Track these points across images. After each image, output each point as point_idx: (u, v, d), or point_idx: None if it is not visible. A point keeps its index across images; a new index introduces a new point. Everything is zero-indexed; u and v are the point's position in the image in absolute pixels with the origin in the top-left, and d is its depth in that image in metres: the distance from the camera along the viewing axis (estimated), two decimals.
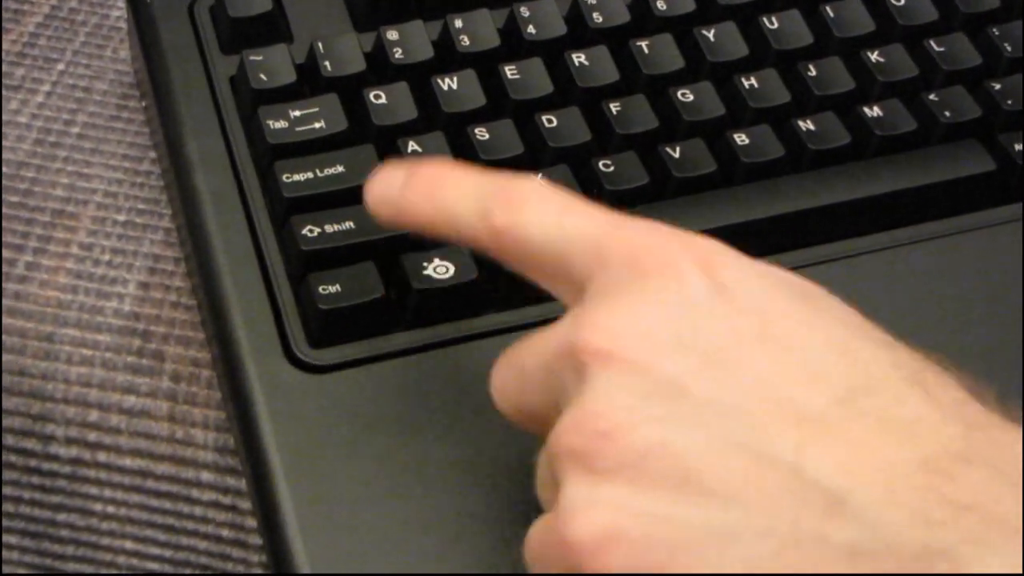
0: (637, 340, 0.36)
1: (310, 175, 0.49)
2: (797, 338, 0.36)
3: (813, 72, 0.53)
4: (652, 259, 0.37)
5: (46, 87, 0.58)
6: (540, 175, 0.49)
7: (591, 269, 0.38)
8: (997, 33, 0.54)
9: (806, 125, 0.52)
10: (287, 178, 0.49)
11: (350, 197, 0.49)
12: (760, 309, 0.36)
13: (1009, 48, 0.54)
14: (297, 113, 0.50)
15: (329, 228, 0.48)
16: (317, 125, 0.50)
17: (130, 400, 0.51)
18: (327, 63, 0.51)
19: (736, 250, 0.38)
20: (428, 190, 0.42)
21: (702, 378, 0.35)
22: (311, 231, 0.48)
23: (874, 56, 0.54)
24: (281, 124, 0.50)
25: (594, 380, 0.36)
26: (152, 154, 0.56)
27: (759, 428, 0.34)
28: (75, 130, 0.56)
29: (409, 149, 0.50)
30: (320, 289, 0.47)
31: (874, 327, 0.38)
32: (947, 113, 0.52)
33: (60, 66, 0.58)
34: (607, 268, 0.38)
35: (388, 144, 0.50)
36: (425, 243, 0.47)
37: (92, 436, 0.51)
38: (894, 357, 0.36)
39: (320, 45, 0.52)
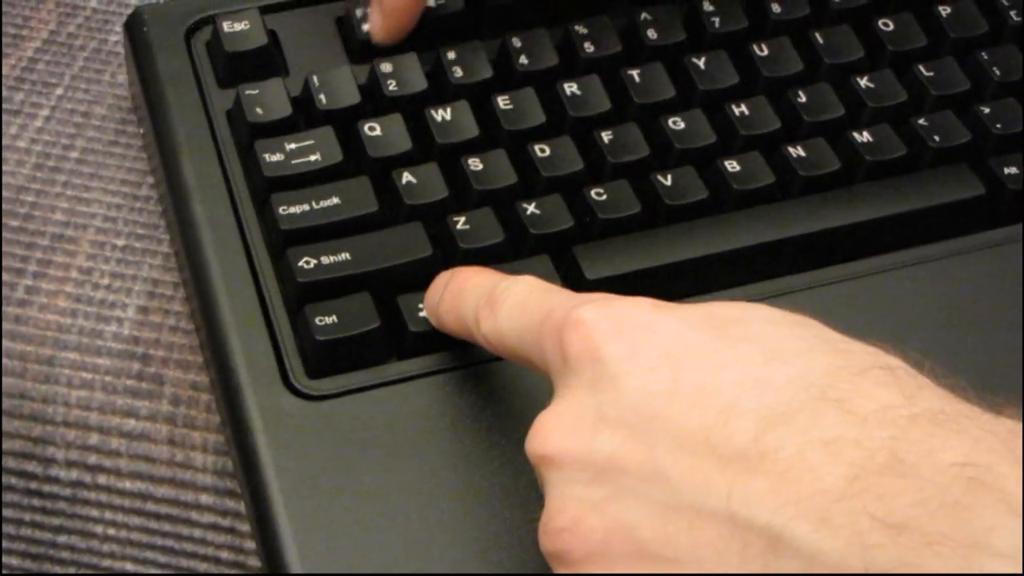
0: (568, 434, 0.39)
1: (306, 207, 0.50)
2: (708, 380, 0.37)
3: (803, 99, 0.53)
4: (574, 348, 0.39)
5: (45, 112, 0.58)
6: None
7: (546, 369, 0.41)
8: (986, 57, 0.55)
9: (796, 151, 0.52)
10: (284, 210, 0.49)
11: (346, 228, 0.49)
12: (669, 360, 0.38)
13: (998, 72, 0.55)
14: (293, 146, 0.51)
15: (325, 260, 0.49)
16: (313, 158, 0.51)
17: (130, 423, 0.51)
18: (322, 96, 0.52)
19: (655, 301, 0.40)
20: (453, 303, 0.45)
21: (632, 449, 0.37)
22: (308, 262, 0.48)
23: (863, 82, 0.54)
24: (277, 157, 0.51)
25: (549, 482, 0.39)
26: (150, 179, 0.56)
27: (689, 485, 0.36)
28: (74, 155, 0.57)
29: (404, 181, 0.50)
30: (317, 320, 0.47)
31: (804, 334, 0.39)
32: (936, 138, 0.53)
33: (59, 91, 0.59)
34: (552, 366, 0.40)
35: (383, 176, 0.51)
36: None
37: (92, 459, 0.51)
38: (809, 373, 0.37)
39: (315, 78, 0.52)
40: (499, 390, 0.48)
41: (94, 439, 0.51)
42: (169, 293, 0.54)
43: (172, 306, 0.53)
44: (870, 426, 0.35)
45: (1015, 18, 0.56)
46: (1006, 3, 0.56)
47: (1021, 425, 0.36)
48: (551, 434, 0.39)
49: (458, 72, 0.53)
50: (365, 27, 0.54)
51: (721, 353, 0.38)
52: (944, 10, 0.56)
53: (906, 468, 0.34)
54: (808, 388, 0.36)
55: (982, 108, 0.54)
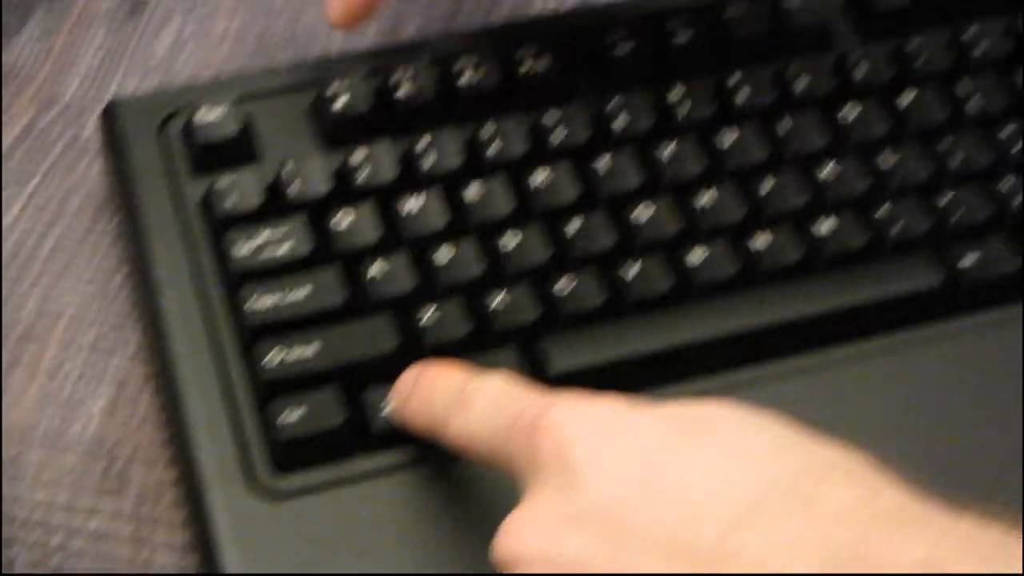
0: (537, 535, 0.39)
1: (276, 298, 0.50)
2: (675, 480, 0.38)
3: (767, 187, 0.54)
4: (544, 448, 0.40)
5: (20, 202, 0.59)
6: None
7: (515, 470, 0.41)
8: (945, 146, 0.56)
9: (760, 241, 0.53)
10: (253, 302, 0.50)
11: (314, 320, 0.50)
12: (638, 460, 0.39)
13: (957, 161, 0.55)
14: (264, 236, 0.51)
15: (294, 353, 0.49)
16: (283, 248, 0.51)
17: (94, 523, 0.51)
18: (294, 186, 0.53)
19: (625, 400, 0.41)
20: (421, 403, 0.46)
21: (600, 549, 0.38)
22: (275, 356, 0.49)
23: (826, 170, 0.55)
24: (248, 247, 0.51)
25: None
26: (125, 269, 0.57)
27: None
28: (48, 245, 0.57)
29: (372, 271, 0.51)
30: (283, 414, 0.48)
31: (770, 434, 0.40)
32: (896, 227, 0.54)
33: (34, 180, 0.59)
34: (522, 467, 0.41)
35: (352, 266, 0.51)
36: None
37: (54, 561, 0.51)
38: (775, 474, 0.38)
39: (287, 168, 0.53)
40: (466, 485, 0.48)
41: (57, 540, 0.51)
42: (138, 387, 0.54)
43: (141, 400, 0.54)
44: (834, 526, 0.36)
45: (975, 107, 0.57)
46: (965, 93, 0.57)
47: (982, 524, 0.36)
48: (520, 535, 0.39)
49: (429, 160, 0.54)
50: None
51: (688, 453, 0.39)
52: (905, 98, 0.57)
53: (869, 567, 0.35)
54: (774, 488, 0.37)
55: (941, 198, 0.55)
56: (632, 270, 0.52)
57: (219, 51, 0.64)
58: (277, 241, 0.52)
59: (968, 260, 0.53)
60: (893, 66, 0.58)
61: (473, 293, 0.51)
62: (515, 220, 0.53)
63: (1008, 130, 0.56)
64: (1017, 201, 0.54)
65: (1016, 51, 0.58)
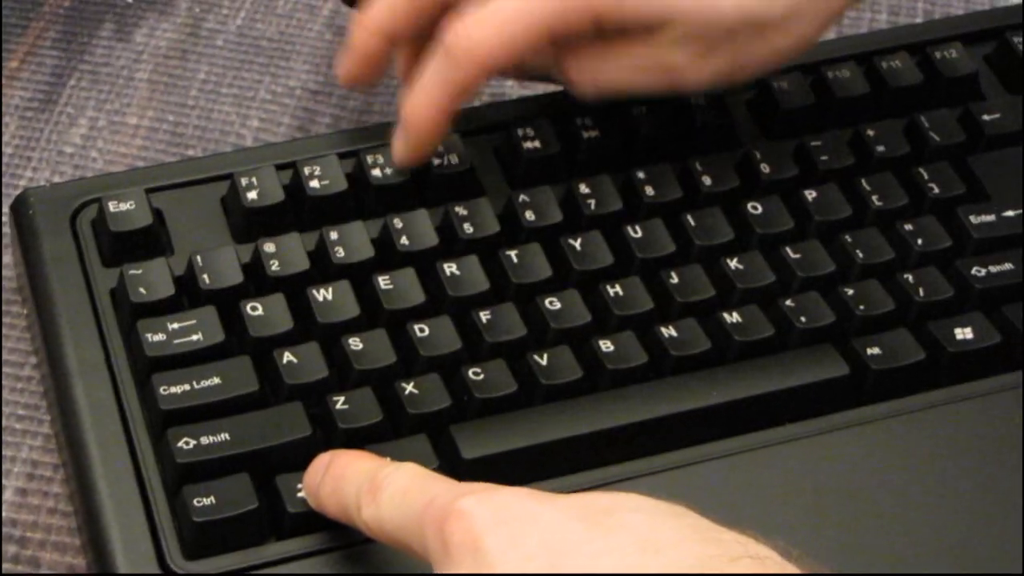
0: None
1: (187, 387, 0.50)
2: (583, 570, 0.39)
3: (675, 280, 0.55)
4: (456, 538, 0.40)
5: None
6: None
7: (427, 557, 0.42)
8: (849, 240, 0.57)
9: (668, 331, 0.54)
10: (164, 390, 0.50)
11: (226, 408, 0.50)
12: (547, 550, 0.39)
13: (861, 255, 0.57)
14: (175, 326, 0.52)
15: (205, 440, 0.49)
16: (195, 337, 0.52)
17: None
18: (205, 276, 0.53)
19: (534, 491, 0.42)
20: (333, 488, 0.46)
21: None
22: (187, 443, 0.49)
23: (733, 263, 0.56)
24: (159, 337, 0.51)
25: None
26: (33, 359, 0.56)
27: None
28: None
29: (284, 360, 0.51)
30: (195, 501, 0.48)
31: (677, 524, 0.40)
32: (803, 319, 0.55)
33: None
34: (434, 555, 0.41)
35: (265, 355, 0.52)
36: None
37: None
38: (680, 566, 0.38)
39: (199, 258, 0.53)
40: (380, 569, 0.48)
41: None
42: (48, 475, 0.54)
43: (51, 488, 0.54)
44: None
45: (876, 203, 0.58)
46: (868, 189, 0.58)
47: None
48: None
49: (340, 252, 0.54)
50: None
51: (596, 543, 0.39)
52: (810, 195, 0.58)
53: None
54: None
55: (846, 290, 0.56)
56: (543, 359, 0.52)
57: (132, 143, 0.65)
58: (188, 330, 0.52)
59: (872, 351, 0.54)
60: (797, 164, 0.59)
61: (385, 381, 0.51)
62: (426, 310, 0.53)
63: (908, 226, 0.58)
64: (919, 294, 0.56)
65: (914, 150, 0.60)
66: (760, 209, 0.58)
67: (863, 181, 0.59)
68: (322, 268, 0.54)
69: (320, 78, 0.68)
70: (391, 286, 0.54)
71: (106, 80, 0.67)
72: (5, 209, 0.61)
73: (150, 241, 0.54)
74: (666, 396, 0.53)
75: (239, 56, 0.69)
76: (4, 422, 0.55)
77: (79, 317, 0.53)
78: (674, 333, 0.54)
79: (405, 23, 0.56)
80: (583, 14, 0.52)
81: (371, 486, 0.44)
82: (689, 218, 0.57)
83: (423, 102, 0.54)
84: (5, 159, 0.63)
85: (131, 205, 0.55)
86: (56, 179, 0.63)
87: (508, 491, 0.42)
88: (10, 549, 0.52)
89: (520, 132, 0.58)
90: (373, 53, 0.56)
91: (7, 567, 0.51)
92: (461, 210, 0.56)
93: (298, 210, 0.56)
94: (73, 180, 0.61)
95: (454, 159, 0.57)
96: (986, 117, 0.61)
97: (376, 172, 0.56)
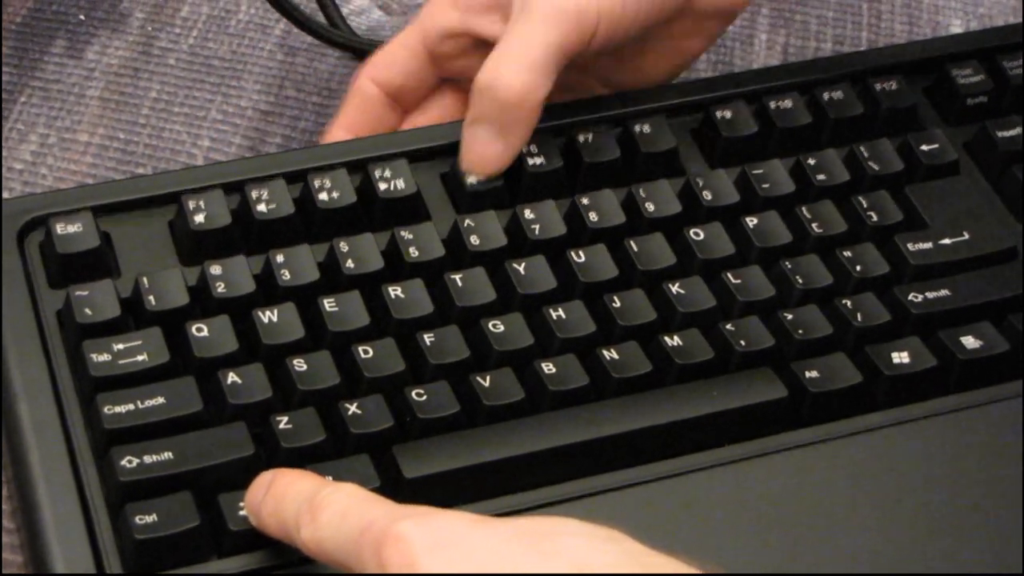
0: None
1: (131, 407, 0.51)
2: None
3: (617, 304, 0.56)
4: (393, 561, 0.41)
5: None
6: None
7: None
8: (789, 267, 0.58)
9: (610, 354, 0.55)
10: (108, 410, 0.50)
11: (170, 428, 0.51)
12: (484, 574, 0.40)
13: (800, 280, 0.58)
14: (120, 346, 0.52)
15: (148, 459, 0.50)
16: (140, 358, 0.52)
17: None
18: (151, 297, 0.53)
19: (472, 516, 0.42)
20: (274, 507, 0.47)
21: None
22: (130, 461, 0.49)
23: (675, 288, 0.57)
24: (104, 357, 0.52)
25: None
26: None
27: None
28: None
29: (229, 381, 0.52)
30: (137, 519, 0.48)
31: (611, 548, 0.41)
32: (742, 342, 0.56)
33: None
34: None
35: (209, 376, 0.52)
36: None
37: None
38: None
39: (145, 280, 0.54)
40: None
41: None
42: None
43: None
44: None
45: (816, 230, 0.59)
46: (808, 216, 0.59)
47: None
48: None
49: (286, 275, 0.55)
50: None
51: (532, 567, 0.40)
52: (751, 221, 0.59)
53: None
54: None
55: (785, 315, 0.57)
56: (485, 381, 0.53)
57: (82, 160, 0.65)
58: (134, 351, 0.52)
59: (810, 374, 0.55)
60: (739, 191, 0.60)
61: (329, 401, 0.52)
62: (370, 332, 0.54)
63: (848, 252, 0.59)
64: (857, 319, 0.57)
65: (854, 179, 0.61)
66: (702, 235, 0.58)
67: (803, 208, 0.60)
68: (268, 290, 0.55)
69: (271, 98, 0.69)
70: (336, 308, 0.54)
71: (57, 97, 0.68)
72: None
73: (97, 263, 0.55)
74: (606, 417, 0.53)
75: (191, 75, 0.70)
76: None
77: (25, 337, 0.53)
78: (615, 356, 0.55)
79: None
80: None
81: (310, 506, 0.45)
82: (632, 243, 0.58)
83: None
84: None
85: (78, 227, 0.55)
86: (5, 195, 0.63)
87: (446, 515, 0.42)
88: None
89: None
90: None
91: None
92: (407, 234, 0.57)
93: (245, 233, 0.57)
94: (21, 196, 0.61)
95: (400, 184, 0.58)
96: (924, 148, 0.62)
97: (323, 196, 0.57)
